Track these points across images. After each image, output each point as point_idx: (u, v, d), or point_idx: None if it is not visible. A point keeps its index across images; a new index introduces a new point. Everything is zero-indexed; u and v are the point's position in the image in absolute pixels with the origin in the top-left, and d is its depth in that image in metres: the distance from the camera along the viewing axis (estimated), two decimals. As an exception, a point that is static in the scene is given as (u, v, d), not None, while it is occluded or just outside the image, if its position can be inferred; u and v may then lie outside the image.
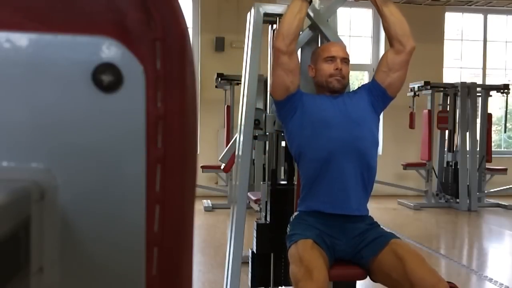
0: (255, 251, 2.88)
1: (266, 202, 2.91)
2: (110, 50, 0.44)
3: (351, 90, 2.65)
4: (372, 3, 2.40)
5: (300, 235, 2.22)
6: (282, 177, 3.10)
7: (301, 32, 2.73)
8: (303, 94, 2.43)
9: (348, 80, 2.51)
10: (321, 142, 2.32)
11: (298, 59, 2.42)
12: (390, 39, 2.39)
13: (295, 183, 2.70)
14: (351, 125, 2.33)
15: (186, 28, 0.48)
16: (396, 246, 2.16)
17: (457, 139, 7.70)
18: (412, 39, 2.37)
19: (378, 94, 2.40)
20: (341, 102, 2.38)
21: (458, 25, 9.62)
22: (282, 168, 3.14)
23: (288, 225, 2.38)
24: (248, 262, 2.96)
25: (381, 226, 2.37)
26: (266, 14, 2.84)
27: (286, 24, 2.34)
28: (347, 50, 2.51)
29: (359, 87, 2.54)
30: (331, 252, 2.23)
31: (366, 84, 2.55)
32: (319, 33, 2.79)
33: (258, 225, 2.88)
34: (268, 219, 2.88)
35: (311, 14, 2.71)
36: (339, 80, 2.39)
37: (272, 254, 2.86)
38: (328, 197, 2.30)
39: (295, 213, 2.43)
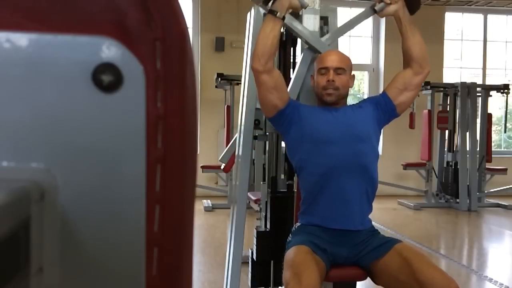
0: (255, 258, 2.86)
1: (266, 202, 2.91)
2: (110, 50, 0.44)
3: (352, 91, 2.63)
4: (396, 21, 2.40)
5: (296, 241, 2.22)
6: (282, 177, 3.08)
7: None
8: (300, 106, 2.39)
9: (347, 91, 2.43)
10: (321, 158, 2.29)
11: (278, 73, 2.36)
12: (408, 60, 2.38)
13: (295, 190, 2.68)
14: (353, 141, 2.29)
15: (186, 28, 0.48)
16: (401, 248, 2.16)
17: (457, 139, 7.70)
18: (428, 64, 2.39)
19: (386, 110, 2.37)
20: (342, 115, 2.33)
21: (458, 25, 9.62)
22: (283, 169, 3.12)
23: (289, 235, 2.38)
24: (248, 262, 2.96)
25: (381, 226, 2.36)
26: (266, 14, 2.83)
27: (260, 45, 2.29)
28: (347, 53, 2.47)
29: (364, 100, 2.50)
30: (329, 257, 2.21)
31: (373, 97, 2.51)
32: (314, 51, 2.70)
33: (258, 232, 2.85)
34: (268, 226, 2.87)
35: (309, 40, 2.64)
36: (330, 94, 2.33)
37: (272, 262, 2.85)
38: (329, 212, 2.28)
39: (297, 224, 2.41)
